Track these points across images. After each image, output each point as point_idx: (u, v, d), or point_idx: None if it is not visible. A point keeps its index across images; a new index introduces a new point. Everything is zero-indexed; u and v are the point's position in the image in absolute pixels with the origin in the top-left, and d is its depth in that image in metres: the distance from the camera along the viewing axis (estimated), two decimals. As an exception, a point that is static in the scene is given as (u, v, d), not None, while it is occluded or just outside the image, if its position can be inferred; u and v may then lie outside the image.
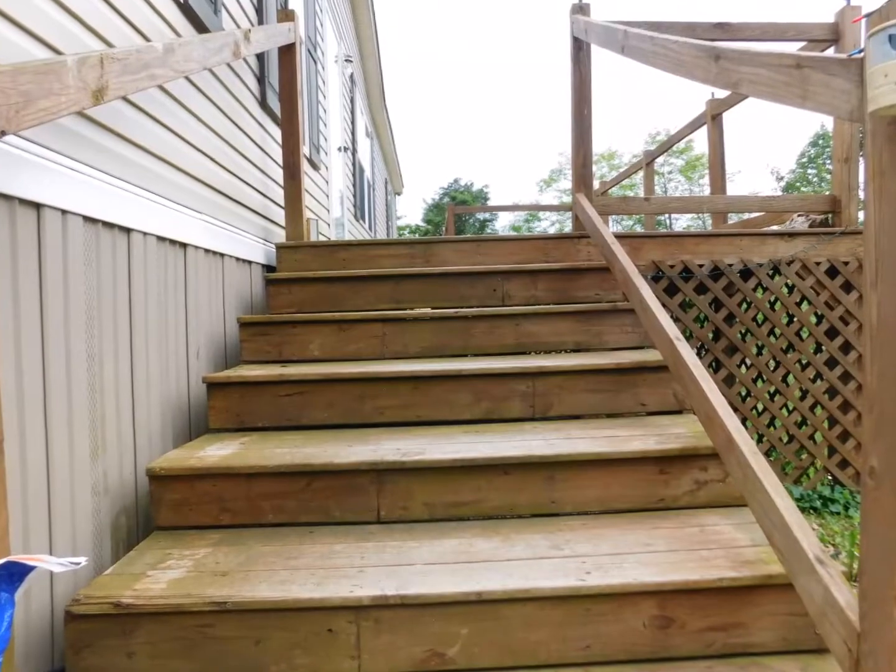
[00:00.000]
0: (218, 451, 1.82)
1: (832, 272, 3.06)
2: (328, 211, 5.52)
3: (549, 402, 2.11)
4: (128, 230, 1.76)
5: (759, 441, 3.12)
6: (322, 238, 4.78)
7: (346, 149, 7.08)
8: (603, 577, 1.34)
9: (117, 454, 1.67)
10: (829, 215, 3.23)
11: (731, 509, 1.69)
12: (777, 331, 3.12)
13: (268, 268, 3.11)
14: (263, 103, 3.30)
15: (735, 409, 2.97)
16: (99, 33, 1.66)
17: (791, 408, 3.09)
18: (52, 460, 1.38)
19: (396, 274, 2.73)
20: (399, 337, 2.46)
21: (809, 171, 26.37)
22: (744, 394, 3.14)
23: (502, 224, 35.41)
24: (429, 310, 2.61)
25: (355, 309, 2.71)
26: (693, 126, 5.23)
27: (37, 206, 1.35)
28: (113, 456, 1.65)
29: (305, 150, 4.15)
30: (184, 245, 2.13)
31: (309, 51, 4.68)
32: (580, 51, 2.98)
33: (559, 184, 32.38)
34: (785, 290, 3.14)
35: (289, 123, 3.19)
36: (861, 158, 2.80)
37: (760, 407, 3.12)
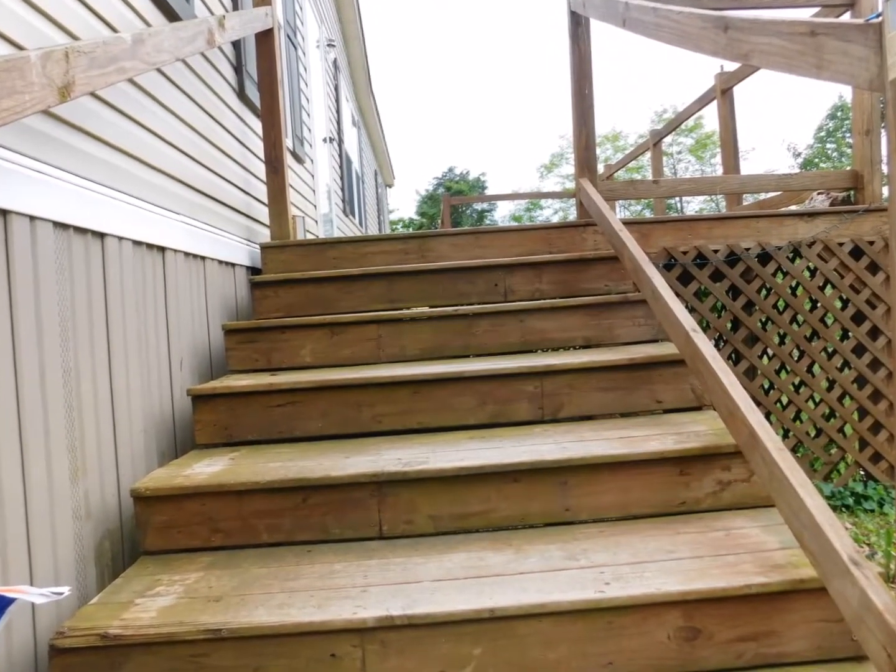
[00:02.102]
0: (206, 468, 1.82)
1: (856, 253, 3.06)
2: (315, 207, 5.52)
3: (558, 403, 2.11)
4: (101, 235, 1.76)
5: (785, 436, 3.12)
6: (309, 236, 4.78)
7: (331, 140, 7.08)
8: (623, 587, 1.34)
9: (99, 475, 1.67)
10: (851, 192, 3.23)
11: (757, 510, 1.69)
12: (800, 318, 3.12)
13: (253, 270, 3.11)
14: (242, 94, 3.31)
15: (758, 403, 2.96)
16: (63, 25, 1.66)
17: (818, 399, 3.09)
18: (30, 484, 1.38)
19: (390, 272, 2.73)
20: (396, 339, 2.46)
21: (828, 145, 26.35)
22: (766, 386, 3.15)
23: (502, 214, 35.45)
24: (426, 309, 2.61)
25: (348, 311, 2.70)
26: (702, 102, 5.23)
27: (3, 213, 1.35)
28: (94, 477, 1.65)
29: (288, 142, 4.15)
30: (162, 249, 2.14)
31: (288, 36, 4.68)
32: (579, 26, 2.99)
33: (561, 169, 32.36)
34: (807, 273, 3.14)
35: (269, 115, 3.19)
36: (883, 130, 2.80)
37: (785, 400, 3.12)
